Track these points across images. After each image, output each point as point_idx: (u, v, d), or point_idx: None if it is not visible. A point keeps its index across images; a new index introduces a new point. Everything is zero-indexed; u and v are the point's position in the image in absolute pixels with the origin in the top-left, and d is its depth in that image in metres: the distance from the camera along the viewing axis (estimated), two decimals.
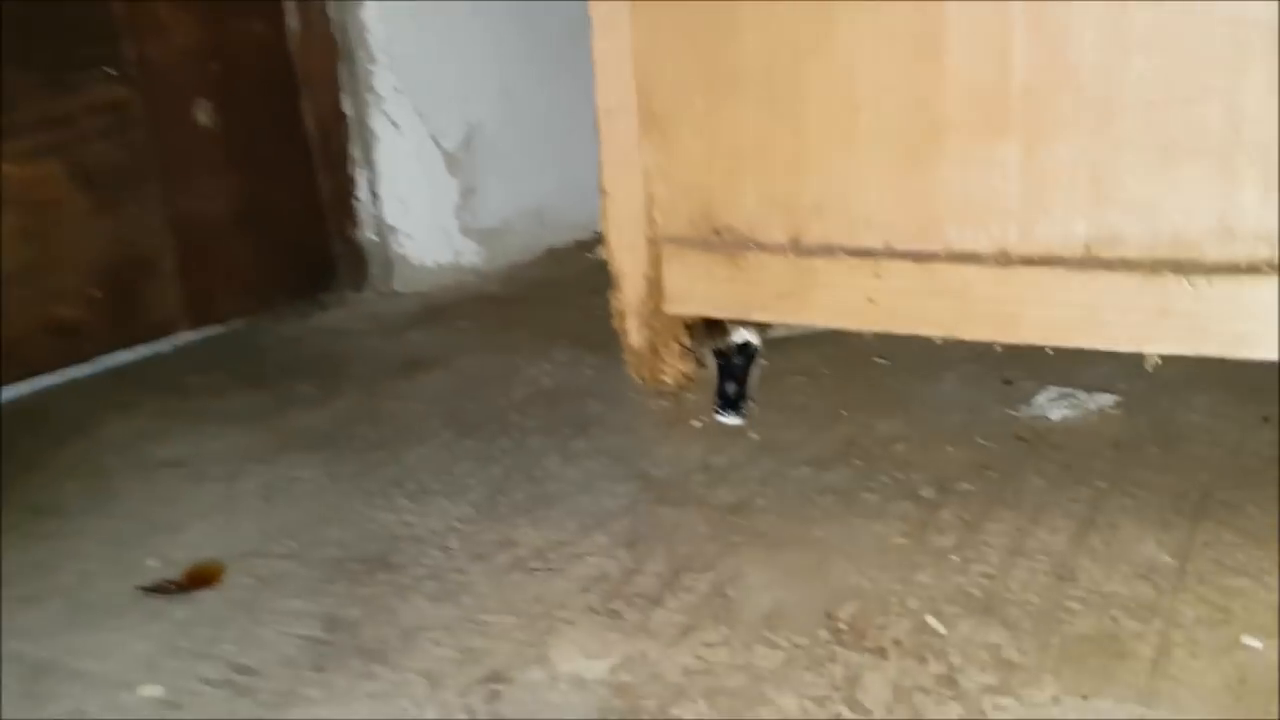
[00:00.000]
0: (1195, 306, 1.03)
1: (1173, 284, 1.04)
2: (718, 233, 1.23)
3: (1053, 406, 1.31)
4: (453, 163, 2.01)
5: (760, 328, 1.33)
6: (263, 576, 1.12)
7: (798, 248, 1.20)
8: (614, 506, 1.20)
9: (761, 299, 1.24)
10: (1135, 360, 1.44)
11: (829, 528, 1.12)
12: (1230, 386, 1.34)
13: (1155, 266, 1.04)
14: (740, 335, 1.31)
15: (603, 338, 1.52)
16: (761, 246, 1.22)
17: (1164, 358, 1.44)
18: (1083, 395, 1.32)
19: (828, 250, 1.19)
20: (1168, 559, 1.02)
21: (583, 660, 0.94)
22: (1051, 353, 1.49)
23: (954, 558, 1.05)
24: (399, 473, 1.31)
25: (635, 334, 1.36)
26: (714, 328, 1.33)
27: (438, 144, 1.99)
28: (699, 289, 1.27)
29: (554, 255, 2.15)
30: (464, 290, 2.01)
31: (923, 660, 0.91)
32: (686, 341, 1.38)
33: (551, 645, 0.96)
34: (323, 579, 1.10)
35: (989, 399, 1.37)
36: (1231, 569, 0.99)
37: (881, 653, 0.92)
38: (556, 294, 1.93)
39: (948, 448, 1.26)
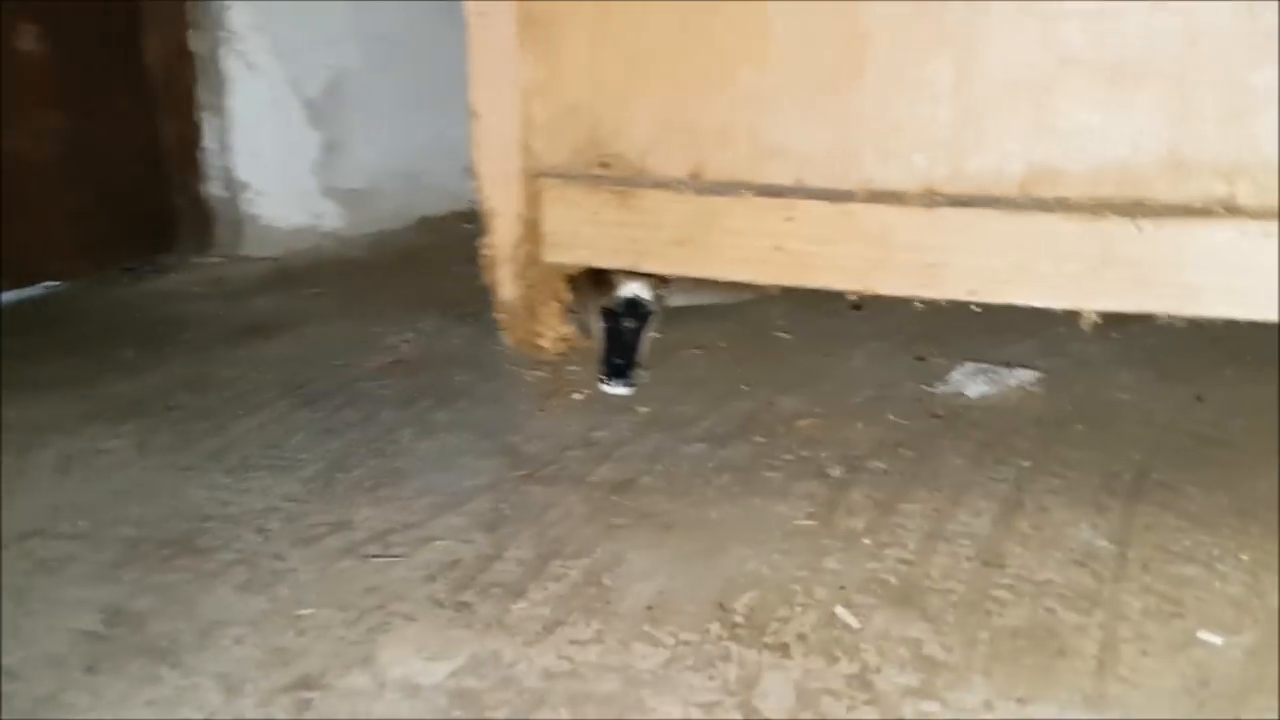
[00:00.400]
0: (1141, 254, 0.92)
1: (1117, 228, 0.92)
2: (606, 164, 1.07)
3: (970, 383, 1.18)
4: (314, 113, 1.81)
5: (655, 283, 1.17)
6: (42, 560, 0.91)
7: (699, 184, 1.05)
8: (474, 485, 1.03)
9: (656, 246, 1.08)
10: (1055, 336, 1.34)
11: (725, 508, 0.97)
12: (1156, 364, 1.24)
13: (1098, 208, 0.92)
14: (630, 290, 1.14)
15: (478, 307, 1.35)
16: (657, 182, 1.07)
17: (1082, 331, 1.35)
18: (1002, 371, 1.20)
19: (733, 187, 1.04)
20: (1105, 544, 0.90)
21: (418, 662, 0.76)
22: (968, 324, 1.38)
23: (866, 541, 0.91)
24: (220, 445, 1.11)
25: (508, 287, 1.19)
26: (601, 283, 1.16)
27: (298, 91, 1.78)
28: (584, 233, 1.11)
29: (428, 224, 1.96)
30: (323, 256, 1.80)
31: (832, 658, 0.76)
32: (568, 299, 1.21)
33: (381, 645, 0.78)
34: (112, 563, 0.90)
35: (900, 375, 1.24)
36: (1179, 555, 0.87)
37: (784, 650, 0.77)
38: (428, 262, 1.75)
39: (857, 424, 1.12)
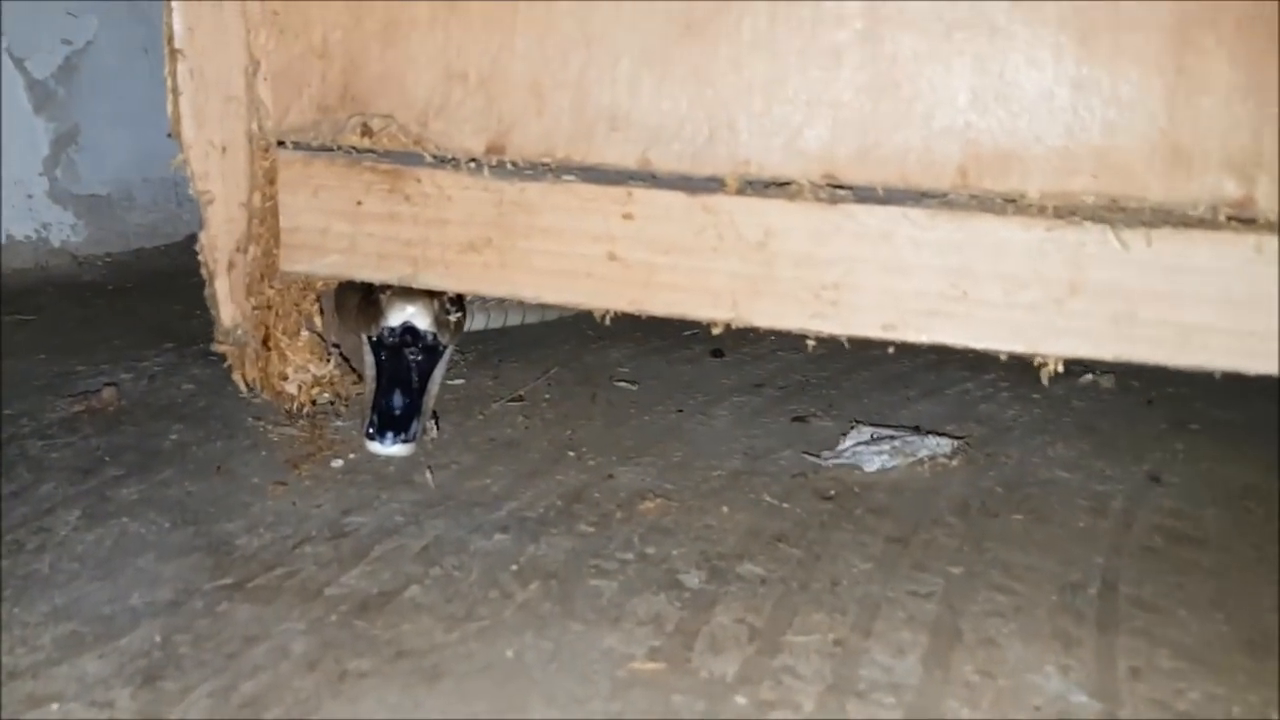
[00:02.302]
0: (1124, 278, 0.64)
1: (1091, 240, 0.64)
2: (369, 130, 0.74)
3: (868, 454, 0.89)
4: (44, 97, 1.42)
5: (443, 306, 0.83)
6: None
7: (501, 163, 0.73)
8: (144, 604, 0.67)
9: (440, 252, 0.75)
10: (963, 395, 1.07)
11: (528, 641, 0.64)
12: (1092, 434, 0.98)
13: (1068, 209, 0.65)
14: (403, 315, 0.80)
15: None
16: (442, 158, 0.74)
17: (996, 388, 1.08)
18: (909, 439, 0.91)
19: (550, 169, 0.73)
20: (1084, 699, 0.61)
21: None
22: (857, 377, 1.10)
23: (740, 700, 0.60)
24: None
25: (230, 308, 0.83)
26: (369, 304, 0.82)
27: (22, 69, 1.39)
28: (338, 231, 0.76)
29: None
30: (47, 276, 1.40)
31: None
32: (319, 326, 0.87)
33: None
34: None
35: (776, 441, 0.94)
36: (1187, 716, 0.59)
37: None
38: (181, 289, 1.36)
39: (722, 509, 0.82)
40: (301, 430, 0.92)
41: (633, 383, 1.07)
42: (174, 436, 0.91)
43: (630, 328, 1.23)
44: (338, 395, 0.94)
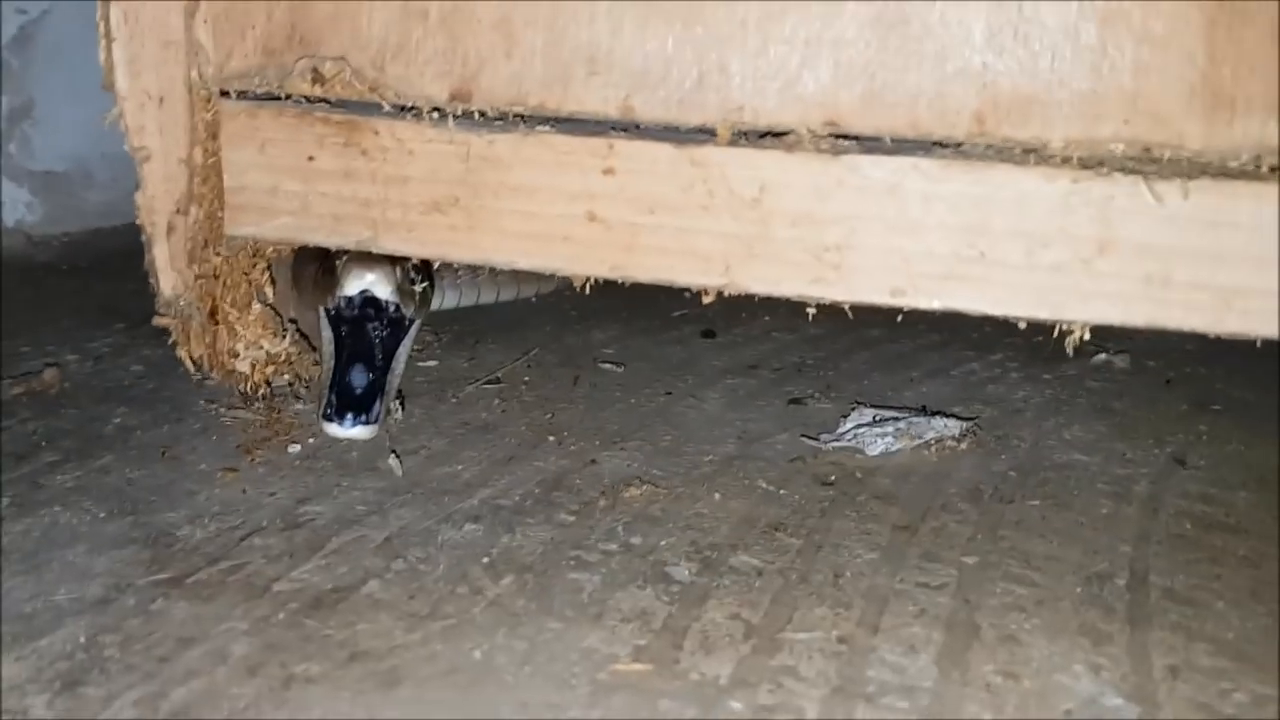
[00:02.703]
0: (1157, 237, 0.58)
1: (1122, 192, 0.58)
2: (320, 77, 0.67)
3: (870, 436, 0.83)
4: None
5: (406, 274, 0.75)
6: None
7: (469, 112, 0.66)
8: (71, 600, 0.60)
9: (400, 212, 0.68)
10: (970, 376, 1.01)
11: (499, 641, 0.58)
12: (1109, 415, 0.92)
13: (1095, 160, 0.58)
14: (361, 283, 0.73)
15: None
16: (402, 108, 0.67)
17: (1005, 368, 1.02)
18: (914, 421, 0.85)
19: (521, 118, 0.65)
20: (1119, 702, 0.54)
21: None
22: (856, 359, 1.04)
23: (735, 704, 0.53)
24: None
25: (170, 275, 0.76)
26: (325, 273, 0.75)
27: None
28: (288, 190, 0.69)
29: None
30: None
31: None
32: (271, 298, 0.79)
33: None
34: None
35: (771, 425, 0.88)
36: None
37: None
38: (140, 267, 1.29)
39: (714, 495, 0.75)
40: (257, 414, 0.85)
41: (618, 364, 1.00)
42: (117, 420, 0.84)
43: (616, 307, 1.16)
44: (297, 376, 0.86)
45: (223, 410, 0.86)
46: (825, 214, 0.61)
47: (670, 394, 0.94)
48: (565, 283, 1.19)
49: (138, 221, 0.75)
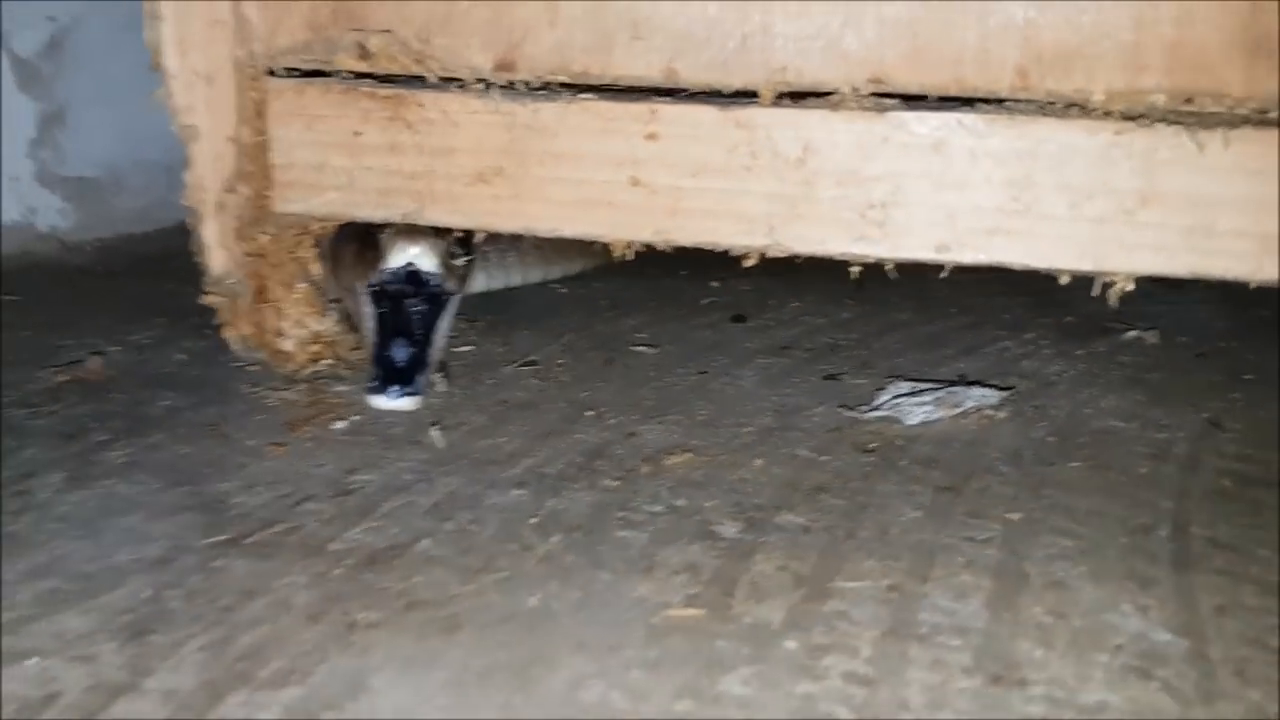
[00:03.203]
0: (1200, 187, 0.59)
1: (1164, 143, 0.59)
2: (367, 51, 0.68)
3: (908, 406, 0.83)
4: (30, 75, 1.37)
5: (448, 247, 0.76)
6: None
7: (513, 83, 0.67)
8: (131, 560, 0.61)
9: (446, 184, 0.69)
10: (1003, 353, 1.01)
11: (552, 590, 0.59)
12: (1143, 386, 0.92)
13: (1137, 111, 0.59)
14: (405, 256, 0.74)
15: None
16: (448, 80, 0.69)
17: (1037, 346, 1.03)
18: (953, 390, 0.85)
19: (568, 85, 0.67)
20: (1167, 638, 0.55)
21: None
22: (889, 339, 1.05)
23: (790, 644, 0.54)
24: None
25: (220, 254, 0.77)
26: (367, 250, 0.76)
27: (8, 45, 1.34)
28: (336, 166, 0.71)
29: (189, 234, 1.51)
30: (33, 261, 1.35)
31: None
32: (316, 275, 0.81)
33: None
34: None
35: (808, 399, 0.89)
36: None
37: None
38: (175, 271, 1.31)
39: (755, 461, 0.76)
40: (300, 395, 0.86)
41: (651, 346, 1.01)
42: (165, 403, 0.85)
43: (645, 297, 1.18)
44: (338, 358, 0.88)
45: (267, 392, 0.87)
46: (870, 172, 0.62)
47: (705, 373, 0.95)
48: (591, 265, 1.21)
49: (185, 201, 0.77)
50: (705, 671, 0.52)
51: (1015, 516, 0.68)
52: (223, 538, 0.64)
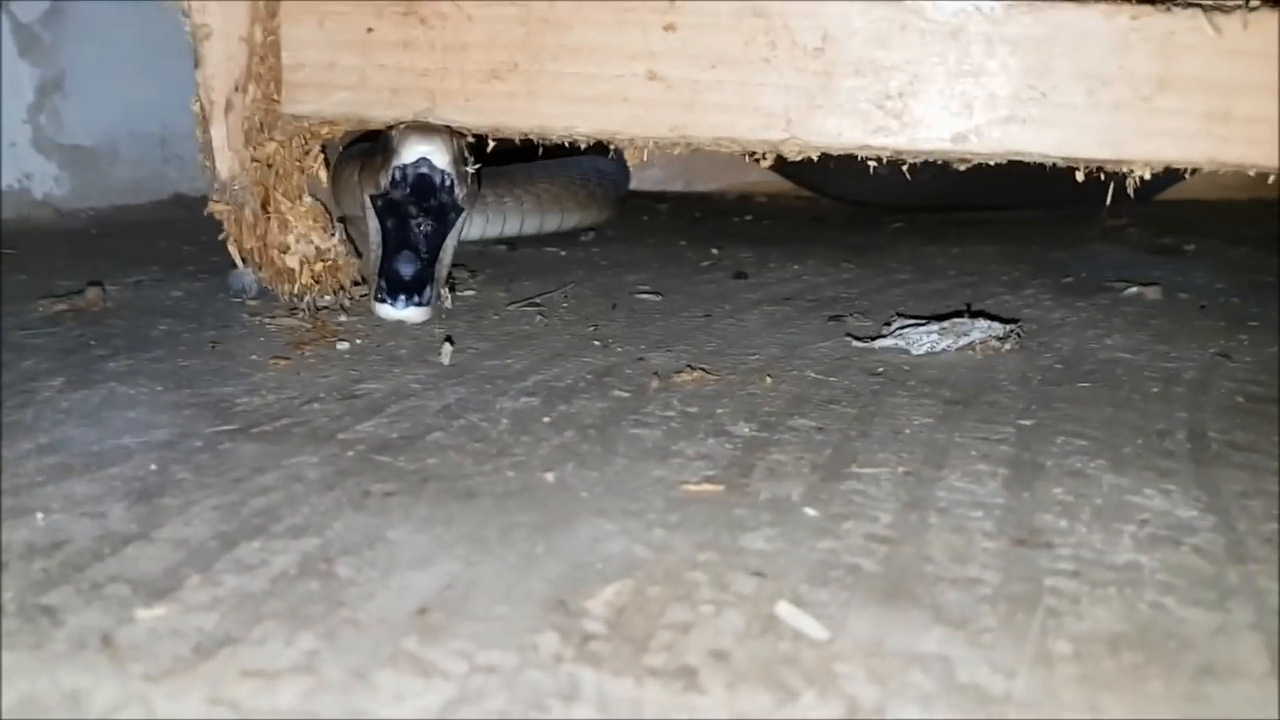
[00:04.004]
0: (1217, 71, 0.59)
1: (1181, 26, 0.59)
2: None
3: (914, 334, 0.83)
4: (30, 41, 1.37)
5: (463, 153, 0.74)
6: None
7: None
8: (136, 442, 0.60)
9: (459, 81, 0.69)
10: (1003, 304, 1.02)
11: (568, 470, 0.58)
12: (1147, 328, 0.92)
13: None
14: (416, 152, 0.72)
15: (227, 263, 0.93)
16: None
17: (1038, 299, 1.03)
18: (959, 322, 0.85)
19: None
20: (1193, 514, 0.54)
21: None
22: (889, 290, 1.05)
23: (810, 512, 0.53)
24: None
25: (226, 156, 0.77)
26: (374, 156, 0.75)
27: (7, 11, 1.34)
28: (346, 65, 0.70)
29: (184, 204, 1.51)
30: (27, 224, 1.34)
31: (785, 692, 0.37)
32: (323, 185, 0.80)
33: None
34: None
35: (813, 336, 0.88)
36: None
37: (688, 679, 0.38)
38: (171, 229, 1.31)
39: (765, 380, 0.76)
40: (302, 321, 0.85)
41: (656, 294, 1.01)
42: (163, 327, 0.84)
43: (646, 259, 1.18)
44: (340, 287, 0.87)
45: (267, 320, 0.86)
46: (888, 61, 0.63)
47: (709, 316, 0.94)
48: (588, 220, 1.21)
49: (193, 106, 0.76)
50: (727, 530, 0.51)
51: (1027, 422, 0.68)
52: (229, 427, 0.63)
